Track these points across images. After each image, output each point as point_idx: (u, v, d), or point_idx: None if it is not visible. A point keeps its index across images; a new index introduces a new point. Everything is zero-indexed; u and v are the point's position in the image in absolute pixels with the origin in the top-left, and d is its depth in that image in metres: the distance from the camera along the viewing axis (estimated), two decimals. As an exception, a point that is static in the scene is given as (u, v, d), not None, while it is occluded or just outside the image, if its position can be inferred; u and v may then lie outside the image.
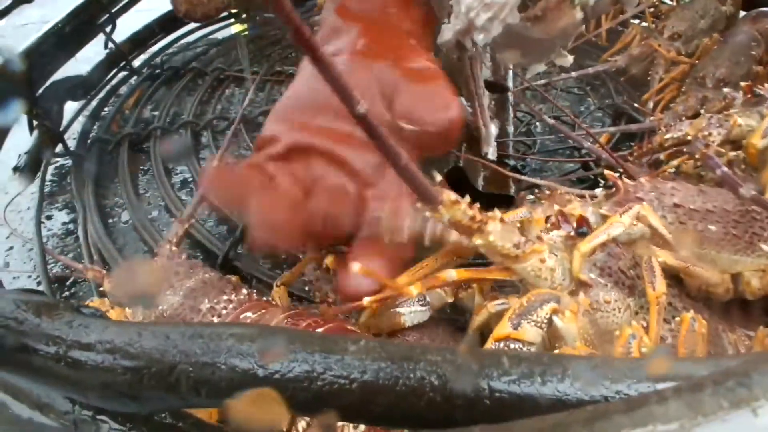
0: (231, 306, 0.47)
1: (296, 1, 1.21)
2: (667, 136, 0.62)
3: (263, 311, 0.47)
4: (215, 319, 0.46)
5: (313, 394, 0.25)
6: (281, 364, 0.27)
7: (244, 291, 0.50)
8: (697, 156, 0.53)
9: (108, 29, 0.98)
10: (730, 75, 0.77)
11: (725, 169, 0.48)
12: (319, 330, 0.43)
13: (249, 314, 0.46)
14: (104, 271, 0.57)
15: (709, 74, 0.78)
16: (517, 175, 0.71)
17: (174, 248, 0.55)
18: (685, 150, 0.57)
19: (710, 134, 0.56)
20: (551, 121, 0.71)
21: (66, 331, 0.30)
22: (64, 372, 0.30)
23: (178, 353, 0.28)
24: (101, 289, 0.56)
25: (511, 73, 0.85)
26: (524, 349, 0.35)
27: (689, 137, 0.58)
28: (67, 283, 0.68)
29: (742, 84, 0.62)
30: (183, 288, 0.49)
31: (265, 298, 0.51)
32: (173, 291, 0.49)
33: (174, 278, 0.50)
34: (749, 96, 0.60)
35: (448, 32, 0.63)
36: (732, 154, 0.55)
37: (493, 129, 0.72)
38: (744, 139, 0.55)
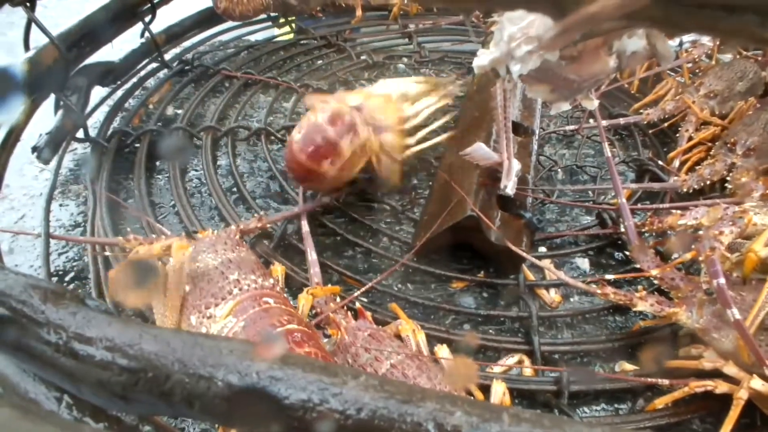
0: (254, 286, 0.52)
1: (333, 12, 1.22)
2: (681, 222, 0.62)
3: (282, 305, 0.51)
4: (236, 291, 0.51)
5: (306, 425, 0.25)
6: (278, 389, 0.26)
7: (271, 280, 0.55)
8: (701, 258, 0.53)
9: (147, 18, 0.99)
10: (762, 144, 0.76)
11: (723, 281, 0.50)
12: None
13: (270, 300, 0.51)
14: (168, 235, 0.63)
15: (741, 141, 0.77)
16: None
17: (237, 228, 0.63)
18: (693, 246, 0.57)
19: (721, 232, 0.55)
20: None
21: (69, 321, 0.30)
22: (62, 362, 0.30)
23: (176, 361, 0.28)
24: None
25: (537, 117, 0.85)
26: None
27: (701, 230, 0.58)
28: (67, 278, 0.68)
29: (762, 178, 0.62)
30: (223, 256, 0.55)
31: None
32: (214, 256, 0.55)
33: (220, 246, 0.57)
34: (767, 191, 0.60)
35: (484, 58, 0.64)
36: (735, 256, 0.55)
37: (515, 164, 0.72)
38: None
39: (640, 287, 0.64)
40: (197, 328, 0.50)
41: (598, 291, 0.58)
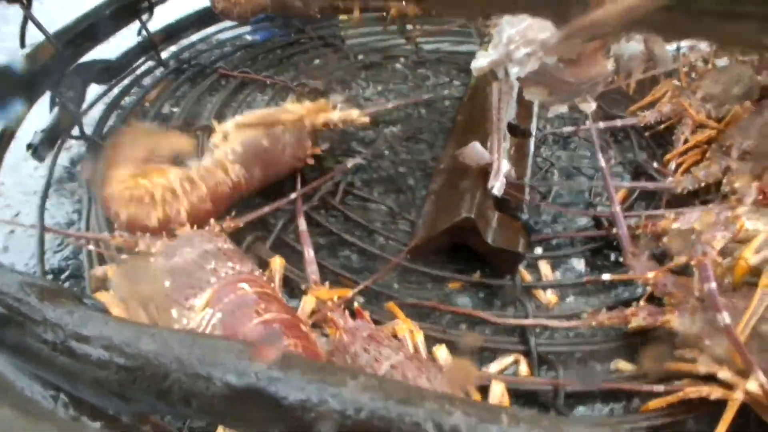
0: (231, 273, 0.53)
1: (329, 14, 1.21)
2: (675, 226, 0.62)
3: (260, 289, 0.51)
4: (213, 279, 0.52)
5: (305, 426, 0.25)
6: (276, 389, 0.26)
7: (249, 266, 0.55)
8: (693, 263, 0.54)
9: (145, 17, 0.99)
10: (757, 148, 0.76)
11: (714, 285, 0.51)
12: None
13: (245, 286, 0.51)
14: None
15: (736, 144, 0.77)
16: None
17: (217, 223, 0.63)
18: (683, 253, 0.58)
19: (714, 237, 0.55)
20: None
21: (66, 320, 0.30)
22: (59, 361, 0.30)
23: (174, 360, 0.28)
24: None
25: (534, 119, 0.85)
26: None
27: (693, 234, 0.58)
28: (63, 276, 0.68)
29: (755, 184, 0.62)
30: (200, 248, 0.56)
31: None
32: (191, 249, 0.56)
33: (196, 239, 0.57)
34: (761, 197, 0.60)
35: (483, 59, 0.64)
36: (727, 261, 0.55)
37: (505, 165, 0.72)
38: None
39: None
40: (178, 321, 0.50)
41: (592, 323, 0.59)
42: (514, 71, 0.60)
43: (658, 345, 0.58)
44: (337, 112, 0.80)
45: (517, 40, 0.59)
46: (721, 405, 0.50)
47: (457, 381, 0.49)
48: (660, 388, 0.53)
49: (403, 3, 1.17)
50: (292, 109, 0.77)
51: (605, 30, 0.20)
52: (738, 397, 0.49)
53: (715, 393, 0.51)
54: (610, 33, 0.22)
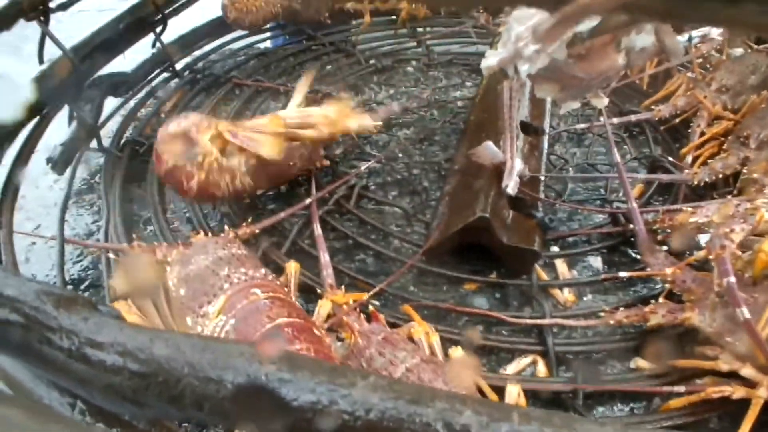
0: (243, 279, 0.53)
1: (339, 20, 1.22)
2: (692, 219, 0.61)
3: (272, 294, 0.51)
4: (226, 285, 0.52)
5: (316, 427, 0.25)
6: (287, 391, 0.26)
7: (262, 271, 0.55)
8: (711, 257, 0.53)
9: (158, 29, 1.00)
10: (776, 137, 0.75)
11: (733, 280, 0.49)
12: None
13: (258, 291, 0.51)
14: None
15: (754, 134, 0.75)
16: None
17: (231, 230, 0.64)
18: (704, 244, 0.56)
19: (732, 230, 0.54)
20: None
21: (81, 327, 0.31)
22: (74, 367, 0.30)
23: (186, 364, 0.28)
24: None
25: (547, 117, 0.85)
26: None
27: (712, 227, 0.57)
28: (82, 286, 0.69)
29: None
30: (214, 255, 0.56)
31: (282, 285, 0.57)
32: (206, 256, 0.56)
33: (211, 246, 0.57)
34: None
35: (492, 58, 0.64)
36: (747, 254, 0.54)
37: (518, 164, 0.72)
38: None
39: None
40: (193, 329, 0.50)
41: (610, 321, 0.58)
42: (524, 68, 0.60)
43: (677, 343, 0.57)
44: (355, 121, 0.79)
45: (526, 36, 0.58)
46: (745, 402, 0.49)
47: (460, 376, 0.48)
48: (681, 388, 0.52)
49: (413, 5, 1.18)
50: (323, 119, 0.75)
51: (596, 12, 0.20)
52: (762, 395, 0.48)
53: (738, 392, 0.50)
54: (613, 24, 0.22)
